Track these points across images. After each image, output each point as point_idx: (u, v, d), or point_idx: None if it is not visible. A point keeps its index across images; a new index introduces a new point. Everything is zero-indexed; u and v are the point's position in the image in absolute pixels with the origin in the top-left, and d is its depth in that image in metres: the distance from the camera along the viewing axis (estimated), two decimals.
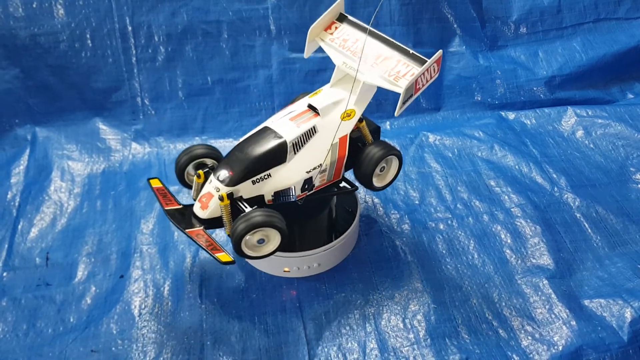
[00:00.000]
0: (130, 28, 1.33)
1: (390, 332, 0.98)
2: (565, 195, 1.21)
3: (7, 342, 0.97)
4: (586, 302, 1.01)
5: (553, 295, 1.02)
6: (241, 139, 0.93)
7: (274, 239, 0.87)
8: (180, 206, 0.93)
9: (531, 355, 0.94)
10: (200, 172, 0.91)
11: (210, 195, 0.88)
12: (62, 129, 1.34)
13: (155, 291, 1.04)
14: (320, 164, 0.91)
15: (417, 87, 0.89)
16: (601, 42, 1.50)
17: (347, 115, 0.92)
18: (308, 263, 1.04)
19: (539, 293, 1.03)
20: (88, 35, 1.32)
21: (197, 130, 1.37)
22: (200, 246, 0.85)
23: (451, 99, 1.48)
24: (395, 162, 0.98)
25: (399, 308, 1.01)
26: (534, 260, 1.09)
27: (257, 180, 0.88)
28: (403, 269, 1.08)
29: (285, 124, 0.91)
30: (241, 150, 0.89)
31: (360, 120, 0.94)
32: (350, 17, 0.97)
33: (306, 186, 0.92)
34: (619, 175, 1.27)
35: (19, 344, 0.97)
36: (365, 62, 0.91)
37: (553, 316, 0.99)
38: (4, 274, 1.07)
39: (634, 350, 0.94)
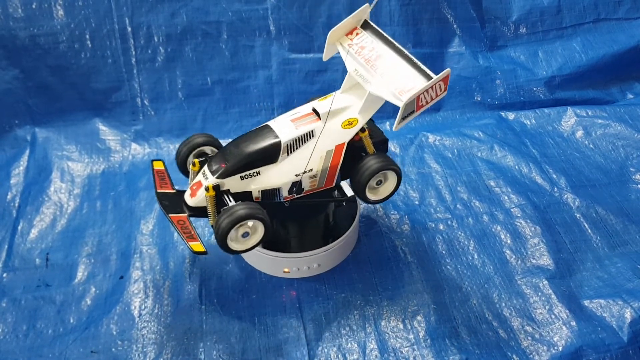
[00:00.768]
0: (129, 29, 1.33)
1: (390, 333, 0.98)
2: (565, 196, 1.21)
3: (7, 342, 0.97)
4: (586, 303, 1.01)
5: (553, 296, 1.02)
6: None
7: (258, 231, 0.88)
8: (174, 191, 0.95)
9: (531, 356, 0.94)
10: (196, 160, 0.93)
11: (200, 184, 0.90)
12: (62, 130, 1.34)
13: (155, 292, 1.04)
14: (312, 169, 0.91)
15: (420, 103, 0.86)
16: (601, 42, 1.50)
17: (348, 123, 0.91)
18: (308, 264, 1.04)
19: (539, 293, 1.03)
20: (88, 36, 1.32)
21: (197, 131, 1.37)
22: (177, 232, 0.87)
23: (451, 99, 1.48)
24: (392, 178, 0.95)
25: (398, 308, 1.01)
26: (533, 261, 1.09)
27: (246, 177, 0.89)
28: (403, 269, 1.08)
29: (285, 124, 0.91)
30: (237, 145, 0.90)
31: (362, 130, 0.93)
32: (373, 25, 0.95)
33: (294, 189, 0.92)
34: (619, 176, 1.27)
35: (18, 344, 0.97)
36: (376, 73, 0.89)
37: (553, 317, 0.99)
38: (4, 275, 1.07)
39: (634, 350, 0.94)
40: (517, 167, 1.29)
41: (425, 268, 1.08)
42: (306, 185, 0.93)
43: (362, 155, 0.94)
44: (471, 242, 1.13)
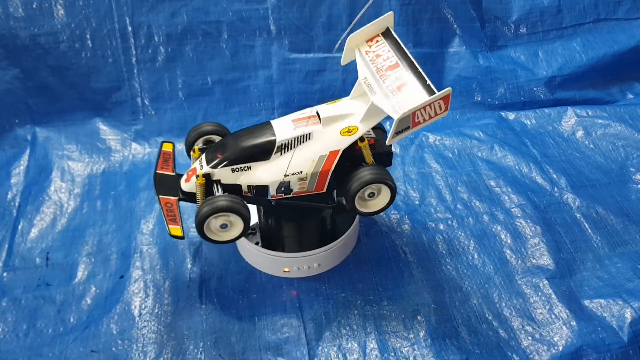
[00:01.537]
0: (130, 28, 1.34)
1: (390, 332, 0.98)
2: (565, 196, 1.21)
3: (7, 342, 0.97)
4: (586, 303, 1.01)
5: (553, 296, 1.02)
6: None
7: (237, 225, 0.89)
8: (173, 174, 0.97)
9: (531, 356, 0.94)
10: (196, 147, 0.97)
11: (195, 171, 0.92)
12: (62, 129, 1.34)
13: (155, 291, 1.04)
14: (301, 171, 0.91)
15: (416, 120, 0.84)
16: (601, 43, 1.50)
17: (347, 131, 0.90)
18: (308, 263, 1.04)
19: (539, 293, 1.03)
20: (88, 36, 1.32)
21: None
22: (162, 213, 0.90)
23: (451, 99, 1.47)
24: (385, 193, 0.92)
25: (399, 308, 1.01)
26: (534, 261, 1.09)
27: (237, 170, 0.90)
28: (403, 269, 1.08)
29: (285, 124, 0.92)
30: (235, 138, 0.92)
31: (361, 140, 0.92)
32: (394, 35, 0.93)
33: (282, 189, 0.92)
34: (619, 176, 1.27)
35: (19, 344, 0.97)
36: (384, 84, 0.87)
37: (553, 316, 0.99)
38: (4, 274, 1.07)
39: (634, 350, 0.94)
40: (517, 167, 1.29)
41: (425, 268, 1.08)
42: (295, 187, 0.93)
43: (362, 164, 0.93)
44: (471, 242, 1.13)
